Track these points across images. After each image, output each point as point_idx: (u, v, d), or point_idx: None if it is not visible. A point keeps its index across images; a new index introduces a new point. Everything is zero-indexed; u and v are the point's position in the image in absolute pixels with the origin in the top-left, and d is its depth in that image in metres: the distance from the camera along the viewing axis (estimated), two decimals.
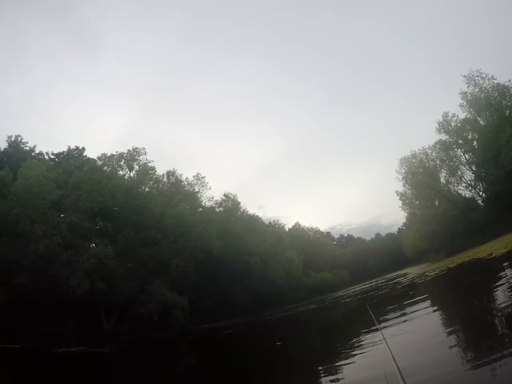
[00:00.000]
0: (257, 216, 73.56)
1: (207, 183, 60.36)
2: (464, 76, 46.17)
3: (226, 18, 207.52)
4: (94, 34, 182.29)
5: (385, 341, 6.53)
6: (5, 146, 44.68)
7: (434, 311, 16.29)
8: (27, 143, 46.14)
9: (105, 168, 45.63)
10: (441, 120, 52.28)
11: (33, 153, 44.65)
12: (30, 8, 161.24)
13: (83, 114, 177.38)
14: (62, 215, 35.83)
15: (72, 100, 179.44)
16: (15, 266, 27.76)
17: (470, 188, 54.59)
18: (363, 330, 17.09)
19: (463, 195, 55.96)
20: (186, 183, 59.92)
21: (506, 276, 18.12)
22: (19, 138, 45.49)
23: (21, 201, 30.30)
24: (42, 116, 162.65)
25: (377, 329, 16.34)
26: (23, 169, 32.77)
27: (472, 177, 53.92)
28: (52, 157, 48.11)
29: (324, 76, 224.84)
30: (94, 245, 38.22)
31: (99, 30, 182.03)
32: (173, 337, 33.06)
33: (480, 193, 53.78)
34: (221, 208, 64.07)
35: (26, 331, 24.26)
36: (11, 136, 45.35)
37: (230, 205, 65.23)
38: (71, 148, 49.39)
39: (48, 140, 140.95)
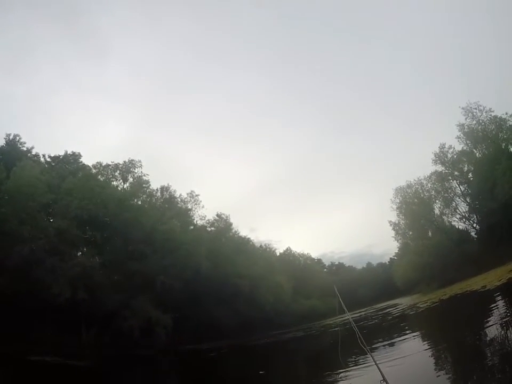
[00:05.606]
0: (248, 238, 73.10)
1: (201, 201, 60.24)
2: (463, 108, 47.46)
3: (230, 39, 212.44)
4: (101, 43, 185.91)
5: (376, 364, 5.99)
6: (2, 144, 44.16)
7: (426, 348, 15.84)
8: (25, 143, 45.71)
9: (99, 177, 45.34)
10: (437, 152, 53.10)
11: (29, 154, 44.23)
12: (41, 11, 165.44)
13: (83, 120, 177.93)
14: (51, 220, 35.14)
15: (74, 105, 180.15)
16: None
17: (464, 219, 54.59)
18: (350, 359, 16.58)
19: (457, 227, 55.88)
20: (179, 199, 59.71)
21: (499, 311, 17.82)
22: (17, 138, 45.00)
23: (11, 201, 29.82)
24: (43, 118, 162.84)
25: (364, 358, 15.87)
26: (17, 169, 32.49)
27: (467, 209, 54.04)
28: (48, 159, 47.76)
29: (322, 102, 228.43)
30: (80, 253, 37.40)
31: (106, 38, 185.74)
32: (153, 355, 32.09)
33: (474, 225, 53.72)
34: (212, 228, 63.46)
35: (1, 334, 23.11)
36: (10, 135, 44.93)
37: (222, 225, 64.72)
38: (68, 152, 49.00)
39: (46, 143, 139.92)
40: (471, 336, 15.35)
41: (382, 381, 5.16)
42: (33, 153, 45.74)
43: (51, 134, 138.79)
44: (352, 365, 15.52)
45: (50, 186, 35.14)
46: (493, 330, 14.56)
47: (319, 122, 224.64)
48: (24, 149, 44.80)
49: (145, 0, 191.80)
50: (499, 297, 22.29)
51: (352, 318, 8.15)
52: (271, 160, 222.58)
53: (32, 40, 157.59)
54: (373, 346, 19.76)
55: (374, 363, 6.04)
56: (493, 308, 18.92)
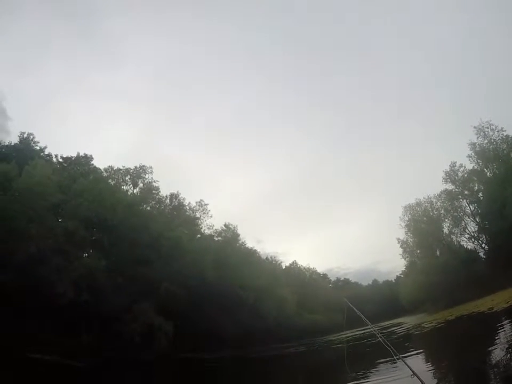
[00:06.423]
0: (255, 250, 73.27)
1: (209, 210, 60.69)
2: (474, 127, 47.39)
3: (243, 48, 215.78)
4: (116, 49, 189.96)
5: (404, 362, 6.36)
6: (16, 142, 44.92)
7: (429, 368, 15.68)
8: (38, 142, 46.43)
9: (110, 180, 45.99)
10: (448, 170, 53.14)
11: (42, 153, 44.82)
12: (59, 13, 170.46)
13: (96, 124, 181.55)
14: (59, 220, 35.48)
15: (88, 108, 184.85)
16: (2, 262, 27.01)
17: (472, 239, 53.79)
18: (351, 375, 16.56)
19: (465, 246, 54.93)
20: (188, 207, 60.31)
21: (506, 333, 17.59)
22: (31, 136, 45.80)
23: (21, 198, 30.17)
24: (58, 119, 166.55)
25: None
26: (29, 167, 32.92)
27: (476, 229, 53.39)
28: (60, 160, 48.25)
29: (333, 114, 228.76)
30: (86, 255, 37.64)
31: (122, 44, 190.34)
32: (152, 361, 31.82)
33: (483, 245, 52.89)
34: (219, 238, 63.53)
35: (3, 330, 23.29)
36: (24, 133, 45.74)
37: (230, 235, 64.77)
38: (80, 154, 49.39)
39: (59, 143, 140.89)
40: (475, 358, 15.15)
41: (412, 376, 5.64)
42: (46, 152, 46.51)
43: (63, 135, 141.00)
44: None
45: (61, 187, 35.65)
46: (498, 352, 14.37)
47: (328, 136, 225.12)
48: (37, 148, 45.61)
49: (159, 6, 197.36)
50: (506, 320, 22.01)
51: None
52: (279, 172, 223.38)
53: (48, 42, 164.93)
54: (376, 362, 19.59)
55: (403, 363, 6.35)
56: (500, 330, 18.70)
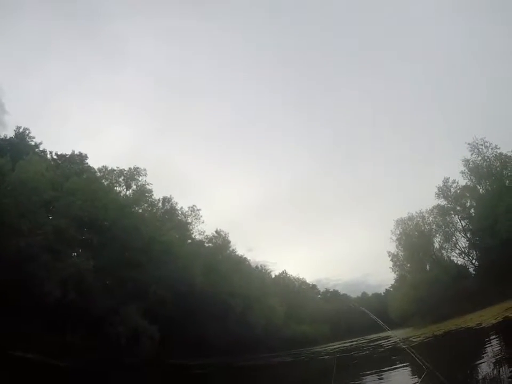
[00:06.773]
0: (245, 258, 73.26)
1: (201, 216, 60.42)
2: (469, 144, 48.03)
3: (245, 48, 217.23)
4: (117, 49, 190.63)
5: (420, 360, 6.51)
6: (11, 136, 44.67)
7: (415, 382, 15.71)
8: (34, 138, 46.24)
9: (103, 181, 45.64)
10: (441, 185, 53.70)
11: (37, 149, 44.60)
12: (60, 13, 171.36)
13: (95, 124, 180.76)
14: (50, 217, 35.05)
15: (87, 107, 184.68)
16: None
17: (463, 255, 54.21)
18: None
19: (456, 262, 55.38)
20: (180, 212, 60.00)
21: (493, 349, 17.68)
22: (27, 131, 45.68)
23: (14, 193, 29.87)
24: (57, 117, 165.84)
25: None
26: (23, 162, 32.68)
27: (466, 245, 53.79)
28: (54, 157, 47.98)
29: (330, 128, 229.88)
30: (75, 254, 37.15)
31: (123, 45, 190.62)
32: (137, 365, 31.31)
33: (473, 261, 53.32)
34: (210, 244, 63.31)
35: None
36: (20, 127, 45.59)
37: (220, 242, 64.67)
38: (75, 152, 49.32)
39: (57, 141, 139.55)
40: (462, 373, 15.18)
41: (424, 371, 6.22)
42: (41, 148, 46.30)
43: (60, 133, 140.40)
44: None
45: (54, 184, 35.31)
46: (484, 367, 14.43)
47: (324, 148, 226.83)
48: (33, 143, 45.41)
49: (159, 8, 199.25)
50: (493, 336, 22.17)
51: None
52: (273, 181, 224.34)
53: (48, 42, 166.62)
54: (364, 373, 19.53)
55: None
56: (487, 346, 18.79)
